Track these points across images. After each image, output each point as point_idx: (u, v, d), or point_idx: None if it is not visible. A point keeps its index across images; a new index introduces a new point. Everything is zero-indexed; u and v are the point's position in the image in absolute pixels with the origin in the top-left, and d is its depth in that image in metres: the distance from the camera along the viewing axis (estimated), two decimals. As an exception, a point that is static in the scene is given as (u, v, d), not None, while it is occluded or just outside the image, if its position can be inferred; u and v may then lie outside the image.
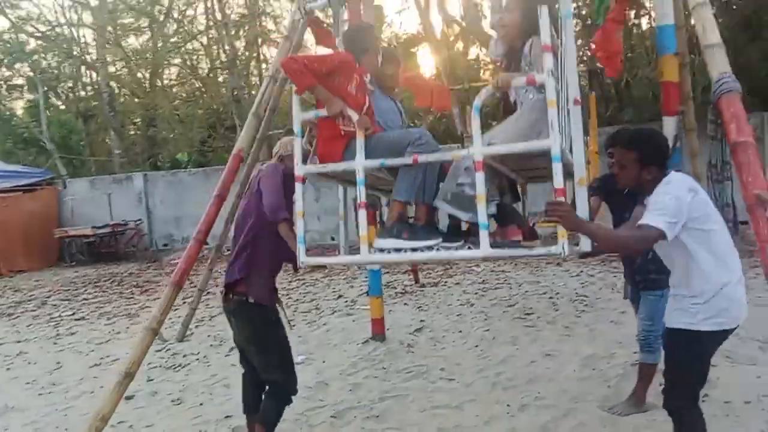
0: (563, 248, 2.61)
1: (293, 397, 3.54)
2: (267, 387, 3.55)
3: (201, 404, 4.65)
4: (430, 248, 2.94)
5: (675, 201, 2.48)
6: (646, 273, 3.75)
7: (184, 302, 8.72)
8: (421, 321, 6.49)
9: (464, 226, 3.18)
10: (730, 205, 3.76)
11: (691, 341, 2.72)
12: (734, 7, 11.23)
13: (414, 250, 2.96)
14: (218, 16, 18.22)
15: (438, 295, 7.77)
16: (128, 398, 4.87)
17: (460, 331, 5.95)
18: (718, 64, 3.14)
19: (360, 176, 2.92)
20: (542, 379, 4.55)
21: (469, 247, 2.91)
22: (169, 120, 20.77)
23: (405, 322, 6.43)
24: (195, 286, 7.80)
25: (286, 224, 3.30)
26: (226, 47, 18.11)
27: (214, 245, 7.12)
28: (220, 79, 20.03)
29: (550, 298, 7.05)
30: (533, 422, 3.81)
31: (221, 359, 5.79)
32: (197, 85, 21.94)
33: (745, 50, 10.17)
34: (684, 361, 2.77)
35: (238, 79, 17.55)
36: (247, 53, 18.26)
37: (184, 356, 6.05)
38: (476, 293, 7.60)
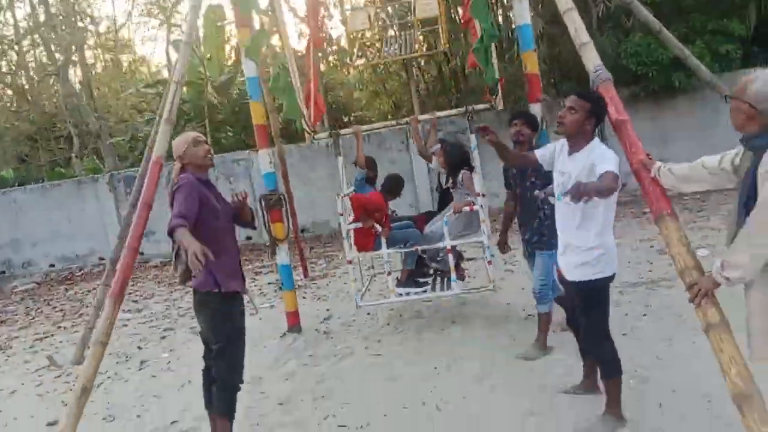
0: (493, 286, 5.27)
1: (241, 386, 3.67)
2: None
3: (139, 416, 4.58)
4: (425, 291, 5.66)
5: (611, 156, 3.19)
6: (540, 235, 4.45)
7: (72, 324, 8.20)
8: (327, 310, 6.82)
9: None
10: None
11: (601, 288, 3.39)
12: (543, 7, 12.81)
13: (416, 293, 5.63)
14: (40, 18, 16.67)
15: (330, 285, 8.12)
16: (50, 425, 4.66)
17: (368, 314, 6.37)
18: (591, 59, 3.87)
19: (386, 258, 5.40)
20: (457, 341, 5.14)
21: (442, 289, 5.65)
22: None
23: (312, 314, 6.70)
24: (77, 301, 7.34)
25: (176, 232, 3.24)
26: (55, 52, 16.65)
27: (108, 259, 6.77)
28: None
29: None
30: (466, 373, 4.38)
31: (136, 374, 5.64)
32: (9, 93, 19.93)
33: (560, 40, 11.68)
34: (600, 305, 3.42)
35: (72, 86, 16.25)
36: (74, 58, 16.89)
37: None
38: (366, 280, 8.05)
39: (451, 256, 5.27)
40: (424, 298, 5.72)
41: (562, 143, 3.51)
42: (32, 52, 20.63)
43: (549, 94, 8.64)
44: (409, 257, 5.81)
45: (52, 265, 13.78)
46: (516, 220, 4.84)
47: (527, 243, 4.65)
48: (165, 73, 22.17)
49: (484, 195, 5.23)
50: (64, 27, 16.25)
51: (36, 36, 18.37)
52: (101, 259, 13.56)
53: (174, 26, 19.94)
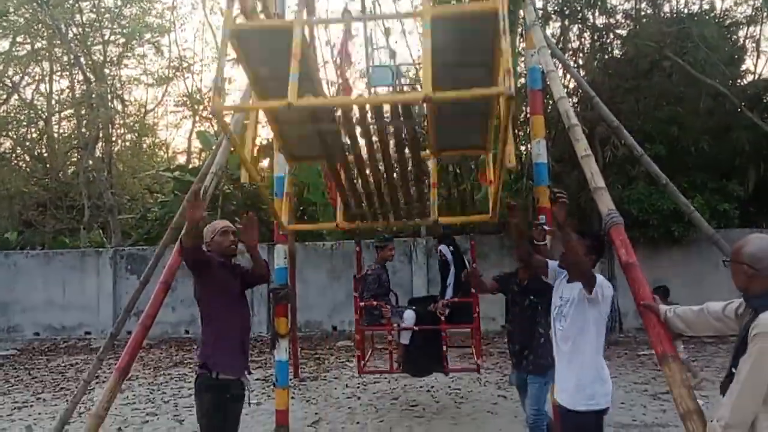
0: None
1: None
2: None
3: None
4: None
5: (603, 279, 3.45)
6: (535, 356, 4.51)
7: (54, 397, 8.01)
8: (316, 414, 6.72)
9: None
10: (616, 309, 4.78)
11: (594, 422, 3.46)
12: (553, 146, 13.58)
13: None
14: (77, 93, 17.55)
15: (321, 389, 8.01)
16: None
17: (357, 422, 6.29)
18: (606, 203, 4.16)
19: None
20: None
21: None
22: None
23: (299, 416, 6.59)
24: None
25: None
26: (83, 128, 17.38)
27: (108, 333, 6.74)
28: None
29: (428, 391, 7.66)
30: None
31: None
32: (27, 159, 20.52)
33: (566, 179, 12.27)
34: None
35: (95, 160, 16.82)
36: (101, 134, 17.59)
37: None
38: (358, 387, 7.98)
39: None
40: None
41: (560, 273, 3.76)
42: (60, 124, 21.49)
43: (552, 227, 9.07)
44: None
45: (37, 333, 13.56)
46: (509, 341, 4.95)
47: (520, 366, 4.67)
48: (181, 159, 22.96)
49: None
50: (96, 105, 17.06)
51: (68, 110, 19.20)
52: (87, 333, 13.40)
53: (203, 118, 20.87)
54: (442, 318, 6.10)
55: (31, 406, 7.61)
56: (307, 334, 12.51)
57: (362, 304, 6.39)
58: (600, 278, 3.46)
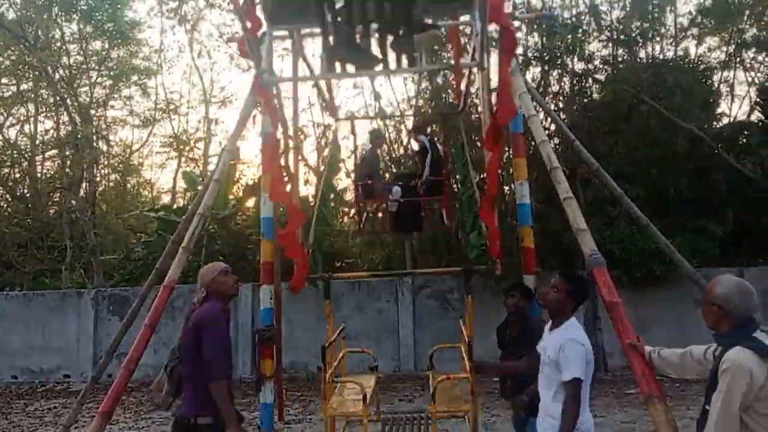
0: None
1: None
2: None
3: None
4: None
5: (584, 350, 3.40)
6: (537, 399, 4.52)
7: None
8: (301, 458, 6.61)
9: None
10: (601, 349, 4.81)
11: None
12: (536, 186, 13.82)
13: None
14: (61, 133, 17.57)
15: (306, 432, 7.91)
16: None
17: (343, 469, 6.18)
18: (588, 243, 4.25)
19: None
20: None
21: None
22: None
23: (285, 460, 6.49)
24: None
25: (221, 384, 3.50)
26: (67, 168, 17.33)
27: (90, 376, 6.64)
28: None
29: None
30: None
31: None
32: (8, 199, 20.34)
33: (550, 218, 12.43)
34: None
35: (79, 200, 16.75)
36: (85, 175, 17.53)
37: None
38: (344, 429, 7.85)
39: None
40: None
41: (548, 324, 3.78)
42: (43, 164, 21.41)
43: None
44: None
45: (15, 377, 13.22)
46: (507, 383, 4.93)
47: (518, 409, 4.67)
48: (165, 198, 22.90)
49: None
50: (81, 146, 17.06)
51: (52, 151, 19.17)
52: (66, 376, 13.09)
53: (188, 159, 20.93)
54: (421, 192, 7.93)
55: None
56: (292, 375, 12.35)
57: (360, 183, 8.03)
58: (573, 360, 3.38)
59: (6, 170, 20.26)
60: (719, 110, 14.75)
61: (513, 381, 4.74)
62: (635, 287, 11.81)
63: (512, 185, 13.12)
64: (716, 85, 14.36)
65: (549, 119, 11.76)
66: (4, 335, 13.39)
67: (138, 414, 9.52)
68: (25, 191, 20.45)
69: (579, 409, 3.32)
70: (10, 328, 13.44)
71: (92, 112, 18.95)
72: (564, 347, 3.41)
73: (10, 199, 20.53)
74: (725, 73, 14.60)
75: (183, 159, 21.33)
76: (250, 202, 16.46)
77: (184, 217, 5.64)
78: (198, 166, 20.50)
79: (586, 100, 13.67)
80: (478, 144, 11.51)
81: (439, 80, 14.11)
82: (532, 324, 4.67)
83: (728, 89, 14.98)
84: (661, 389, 3.18)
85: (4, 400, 11.51)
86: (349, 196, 16.39)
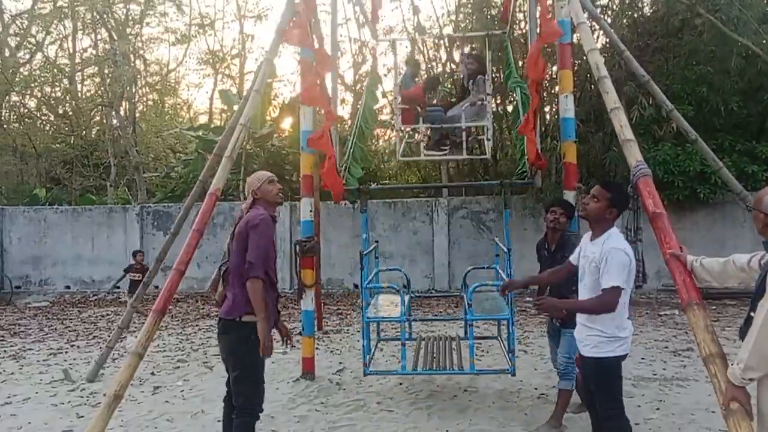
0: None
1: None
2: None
3: (153, 436, 4.66)
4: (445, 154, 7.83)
5: (628, 259, 3.40)
6: (569, 312, 4.59)
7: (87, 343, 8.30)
8: (340, 363, 6.90)
9: None
10: (640, 261, 4.81)
11: (614, 366, 3.55)
12: (578, 105, 13.41)
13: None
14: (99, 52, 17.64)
15: (344, 341, 8.21)
16: (66, 433, 4.75)
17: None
18: (634, 154, 4.16)
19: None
20: (469, 409, 5.20)
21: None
22: (19, 152, 19.28)
23: (325, 365, 6.78)
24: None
25: (257, 283, 3.59)
26: (107, 86, 17.50)
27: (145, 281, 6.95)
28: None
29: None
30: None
31: (149, 397, 5.74)
32: (51, 118, 20.76)
33: (591, 139, 12.15)
34: (616, 380, 3.58)
35: (120, 118, 17.00)
36: (126, 93, 17.71)
37: (104, 395, 5.86)
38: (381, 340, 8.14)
39: (464, 134, 7.32)
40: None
41: (587, 234, 3.75)
42: (83, 82, 21.64)
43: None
44: (435, 132, 7.81)
45: (68, 287, 13.97)
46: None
47: (555, 318, 4.77)
48: (203, 119, 23.05)
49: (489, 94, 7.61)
50: (119, 63, 17.14)
51: (92, 68, 19.31)
52: (116, 287, 13.73)
53: (225, 76, 20.86)
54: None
55: (66, 352, 7.92)
56: (329, 291, 12.72)
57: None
58: (616, 268, 3.39)
59: (47, 89, 20.61)
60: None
61: (551, 293, 4.81)
62: (677, 210, 11.60)
63: (553, 104, 12.87)
64: (778, -2, 13.43)
65: (596, 32, 11.26)
66: (56, 248, 14.05)
67: (185, 322, 10.01)
68: (68, 109, 20.85)
69: (601, 310, 3.43)
70: (60, 241, 14.07)
71: (128, 30, 18.89)
72: (607, 256, 3.41)
73: (53, 118, 20.99)
74: (789, -15, 13.59)
75: (219, 77, 21.29)
76: (286, 123, 16.49)
77: (226, 127, 5.68)
78: (234, 84, 20.44)
79: (636, 15, 12.98)
80: (520, 63, 11.13)
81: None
82: (569, 238, 4.68)
83: (791, 3, 13.98)
84: (701, 297, 3.17)
85: (59, 307, 12.22)
86: (384, 117, 16.26)
